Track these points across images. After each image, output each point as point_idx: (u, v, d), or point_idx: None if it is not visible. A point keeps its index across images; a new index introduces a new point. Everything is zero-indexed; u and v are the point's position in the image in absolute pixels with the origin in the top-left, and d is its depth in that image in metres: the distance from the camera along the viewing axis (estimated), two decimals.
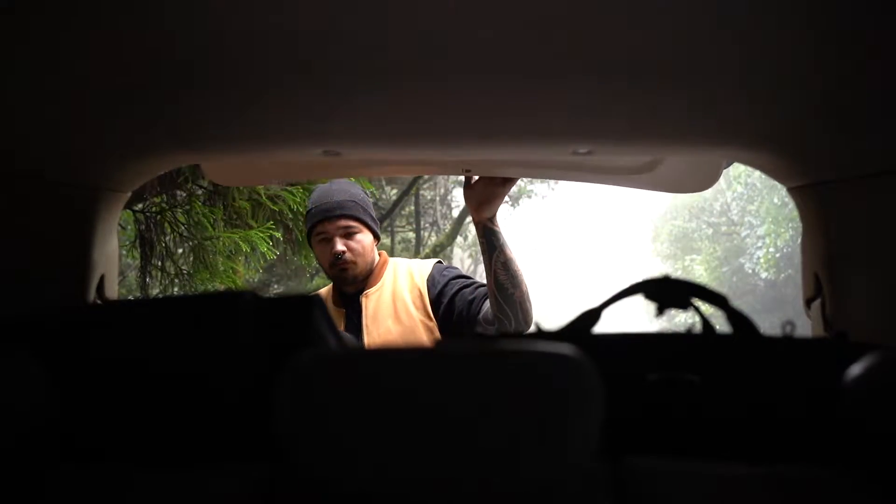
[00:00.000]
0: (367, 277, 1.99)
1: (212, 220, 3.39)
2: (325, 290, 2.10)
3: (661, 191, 1.60)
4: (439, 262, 2.04)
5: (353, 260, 1.93)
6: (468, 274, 2.02)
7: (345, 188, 1.98)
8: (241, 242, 3.32)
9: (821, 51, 0.86)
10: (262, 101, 1.02)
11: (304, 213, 3.69)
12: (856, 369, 0.61)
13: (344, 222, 1.92)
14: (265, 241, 3.38)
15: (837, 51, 0.85)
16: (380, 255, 2.06)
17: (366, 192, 2.06)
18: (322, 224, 1.93)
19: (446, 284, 1.93)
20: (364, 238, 1.96)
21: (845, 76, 0.89)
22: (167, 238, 3.54)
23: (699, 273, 16.73)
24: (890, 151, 0.94)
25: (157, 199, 3.52)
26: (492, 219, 1.79)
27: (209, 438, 0.66)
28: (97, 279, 1.19)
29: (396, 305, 1.93)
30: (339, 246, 1.91)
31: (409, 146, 1.30)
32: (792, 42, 0.84)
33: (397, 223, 12.73)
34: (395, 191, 11.29)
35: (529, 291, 1.77)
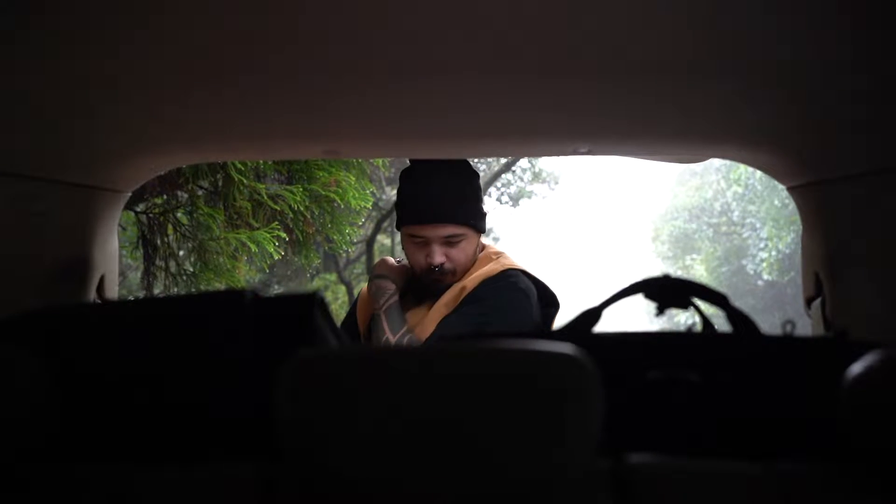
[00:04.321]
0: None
1: (214, 221, 3.38)
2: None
3: (652, 159, 1.53)
4: (509, 273, 1.60)
5: (453, 269, 1.58)
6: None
7: (446, 180, 1.53)
8: (249, 243, 3.30)
9: (820, 51, 0.86)
10: (262, 100, 1.02)
11: (305, 213, 3.67)
12: (856, 368, 0.61)
13: (447, 230, 1.53)
14: (272, 241, 3.36)
15: (837, 51, 0.85)
16: (482, 250, 1.68)
17: (475, 171, 1.61)
18: (419, 227, 1.55)
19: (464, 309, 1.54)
20: (469, 245, 1.58)
21: (845, 76, 0.89)
22: (170, 239, 3.53)
23: (699, 273, 16.70)
24: (889, 150, 0.94)
25: (158, 200, 3.51)
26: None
27: (209, 437, 0.66)
28: (97, 279, 1.19)
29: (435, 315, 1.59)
30: (439, 257, 1.54)
31: (408, 145, 1.30)
32: (792, 42, 0.84)
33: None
34: (395, 190, 11.23)
35: None
